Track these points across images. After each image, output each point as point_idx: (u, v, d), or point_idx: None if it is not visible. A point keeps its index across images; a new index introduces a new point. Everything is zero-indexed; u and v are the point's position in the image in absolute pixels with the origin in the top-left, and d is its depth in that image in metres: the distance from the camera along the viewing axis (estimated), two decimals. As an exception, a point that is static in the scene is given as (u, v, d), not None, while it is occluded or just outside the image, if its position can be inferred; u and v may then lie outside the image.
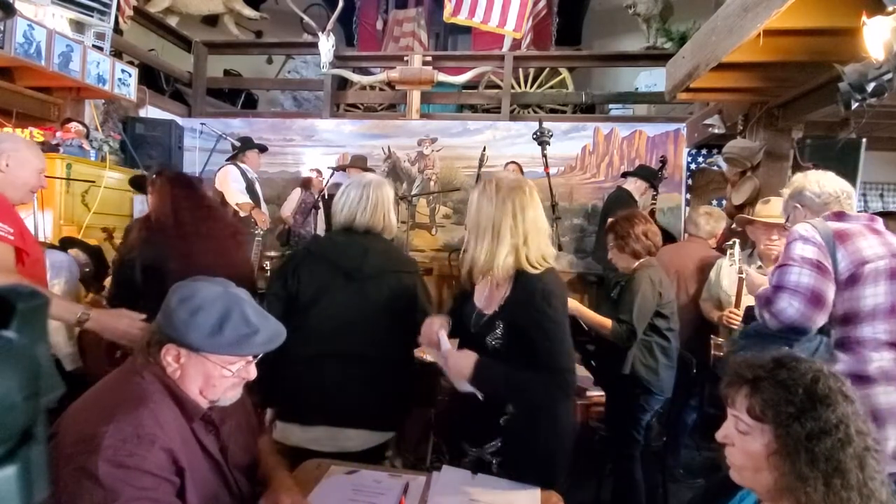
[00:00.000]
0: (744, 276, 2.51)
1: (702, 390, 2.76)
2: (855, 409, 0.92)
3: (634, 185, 4.28)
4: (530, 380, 1.50)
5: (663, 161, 4.56)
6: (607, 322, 2.38)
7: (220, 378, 1.19)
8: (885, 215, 3.28)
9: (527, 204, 1.56)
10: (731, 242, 2.66)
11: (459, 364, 1.50)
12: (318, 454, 1.73)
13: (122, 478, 1.03)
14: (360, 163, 4.94)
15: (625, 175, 4.47)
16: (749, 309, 2.48)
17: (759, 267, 2.61)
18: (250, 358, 1.23)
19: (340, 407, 1.80)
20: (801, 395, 0.92)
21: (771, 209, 2.59)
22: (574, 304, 2.37)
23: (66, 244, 2.84)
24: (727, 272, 2.69)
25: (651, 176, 4.33)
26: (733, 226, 3.80)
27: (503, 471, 1.59)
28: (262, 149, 4.64)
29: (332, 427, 1.81)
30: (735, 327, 2.50)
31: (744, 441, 0.97)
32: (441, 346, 1.57)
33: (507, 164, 4.76)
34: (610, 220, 2.67)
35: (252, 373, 1.24)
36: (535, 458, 1.57)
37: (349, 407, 1.80)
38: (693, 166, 5.25)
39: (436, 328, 1.60)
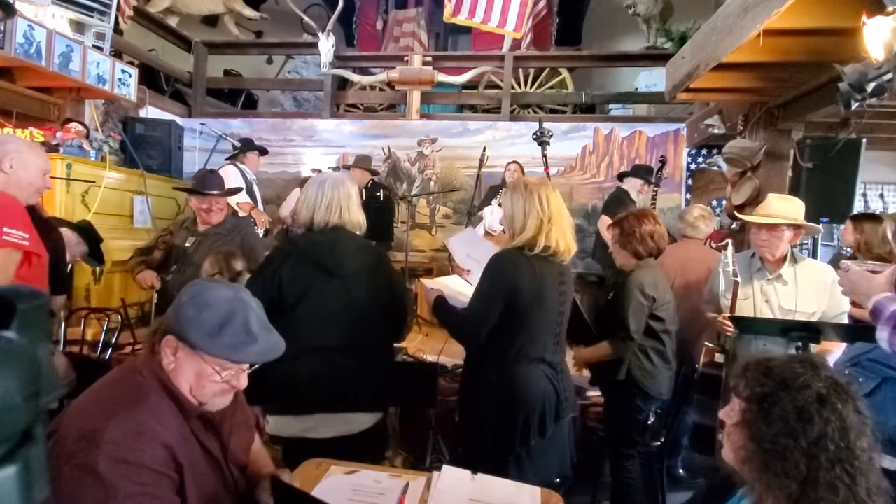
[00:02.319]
0: (738, 279, 2.35)
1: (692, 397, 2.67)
2: (840, 419, 0.92)
3: (631, 184, 4.30)
4: (450, 314, 1.97)
5: (663, 161, 4.56)
6: (604, 350, 2.38)
7: (209, 380, 1.19)
8: (866, 218, 3.27)
9: (551, 196, 1.87)
10: (724, 243, 2.53)
11: (430, 295, 2.05)
12: (316, 441, 1.81)
13: (122, 473, 1.03)
14: (364, 163, 4.92)
15: (620, 177, 4.49)
16: (739, 319, 2.29)
17: (759, 269, 2.43)
18: (244, 367, 1.23)
19: (334, 395, 1.89)
20: (776, 381, 0.97)
21: (763, 208, 2.43)
22: (582, 355, 2.49)
23: (56, 224, 2.79)
24: (723, 275, 2.51)
25: (645, 172, 4.34)
26: (732, 225, 3.77)
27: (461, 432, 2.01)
28: (263, 151, 4.63)
29: (328, 413, 1.89)
30: (729, 334, 2.35)
31: (729, 418, 1.05)
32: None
33: (509, 163, 4.76)
34: (620, 214, 2.59)
35: (243, 382, 1.24)
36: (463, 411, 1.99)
37: (342, 394, 1.90)
38: (693, 166, 5.26)
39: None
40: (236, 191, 3.27)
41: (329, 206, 1.94)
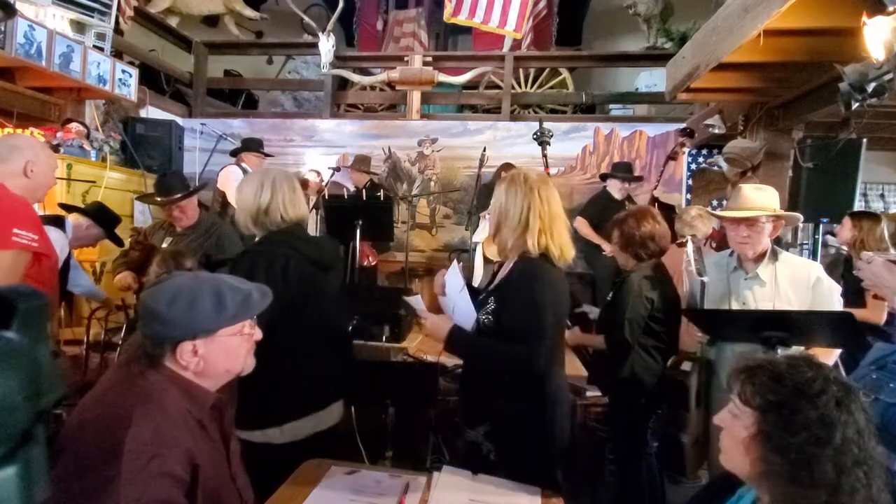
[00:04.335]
0: (706, 279, 2.08)
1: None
2: (855, 421, 0.92)
3: (612, 185, 4.39)
4: (492, 350, 1.64)
5: (689, 133, 4.42)
6: (600, 340, 2.46)
7: (239, 347, 1.25)
8: (866, 215, 3.27)
9: (551, 196, 1.69)
10: (683, 240, 2.29)
11: (437, 328, 1.67)
12: (321, 434, 1.87)
13: (145, 482, 1.02)
14: (362, 164, 4.92)
15: (602, 177, 4.56)
16: (714, 316, 2.04)
17: (736, 269, 2.13)
18: (251, 322, 1.29)
19: (339, 384, 2.00)
20: (790, 388, 0.95)
21: (741, 200, 2.10)
22: (574, 338, 2.54)
23: (67, 210, 2.79)
24: (687, 274, 2.23)
25: (622, 170, 4.38)
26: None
27: (500, 458, 1.67)
28: (265, 154, 4.62)
29: (336, 403, 1.98)
30: (699, 340, 2.12)
31: (733, 424, 1.02)
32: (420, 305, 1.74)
33: (505, 165, 4.72)
34: (620, 214, 2.52)
35: (258, 332, 1.31)
36: (527, 441, 1.65)
37: (342, 382, 2.02)
38: (693, 166, 5.25)
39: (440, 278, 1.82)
40: (197, 190, 3.05)
41: (287, 202, 1.91)
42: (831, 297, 1.99)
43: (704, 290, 2.10)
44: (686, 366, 2.21)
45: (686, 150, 4.70)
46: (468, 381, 1.86)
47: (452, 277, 1.79)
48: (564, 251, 1.69)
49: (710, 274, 2.14)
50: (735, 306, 2.09)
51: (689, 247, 2.14)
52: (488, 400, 1.71)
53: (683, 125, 5.22)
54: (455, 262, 1.82)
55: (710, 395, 2.11)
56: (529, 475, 1.58)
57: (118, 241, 2.96)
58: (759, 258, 2.09)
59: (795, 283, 2.02)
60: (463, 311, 1.73)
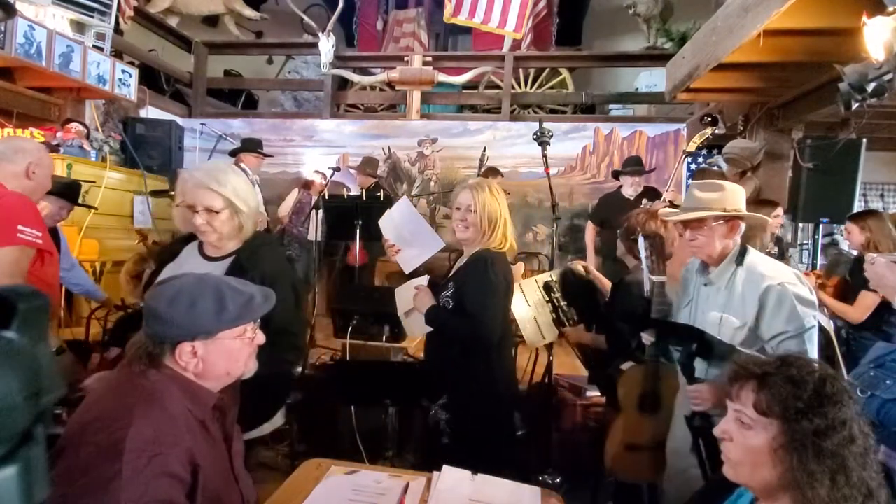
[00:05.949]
0: (657, 279, 1.92)
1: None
2: (857, 410, 0.93)
3: (623, 181, 4.36)
4: (453, 322, 1.96)
5: (712, 121, 4.35)
6: (600, 341, 2.51)
7: (240, 350, 1.24)
8: (867, 214, 3.26)
9: (505, 203, 2.06)
10: (633, 237, 2.11)
11: (423, 300, 2.04)
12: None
13: (146, 481, 1.02)
14: (369, 167, 4.90)
15: (615, 175, 4.53)
16: (663, 325, 1.88)
17: (700, 273, 1.90)
18: (253, 324, 1.28)
19: None
20: (811, 391, 0.93)
21: (689, 201, 1.86)
22: (576, 335, 2.59)
23: None
24: (645, 274, 2.03)
25: (631, 165, 4.36)
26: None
27: (451, 427, 1.99)
28: (263, 154, 4.62)
29: None
30: (645, 341, 1.94)
31: (745, 436, 0.98)
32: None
33: (488, 170, 4.67)
34: (620, 231, 2.43)
35: (261, 336, 1.30)
36: (476, 405, 1.97)
37: None
38: (693, 166, 5.25)
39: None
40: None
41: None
42: (779, 310, 1.67)
43: (660, 290, 1.93)
44: (625, 365, 2.03)
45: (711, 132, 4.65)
46: (431, 362, 2.17)
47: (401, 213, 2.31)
48: (514, 247, 2.10)
49: (685, 277, 2.00)
50: (695, 311, 1.89)
51: (641, 243, 1.94)
52: (446, 376, 2.01)
53: (681, 126, 5.23)
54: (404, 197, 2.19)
55: (663, 399, 1.97)
56: (477, 438, 1.92)
57: (88, 206, 3.08)
58: (720, 262, 1.81)
59: (749, 290, 1.74)
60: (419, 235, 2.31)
